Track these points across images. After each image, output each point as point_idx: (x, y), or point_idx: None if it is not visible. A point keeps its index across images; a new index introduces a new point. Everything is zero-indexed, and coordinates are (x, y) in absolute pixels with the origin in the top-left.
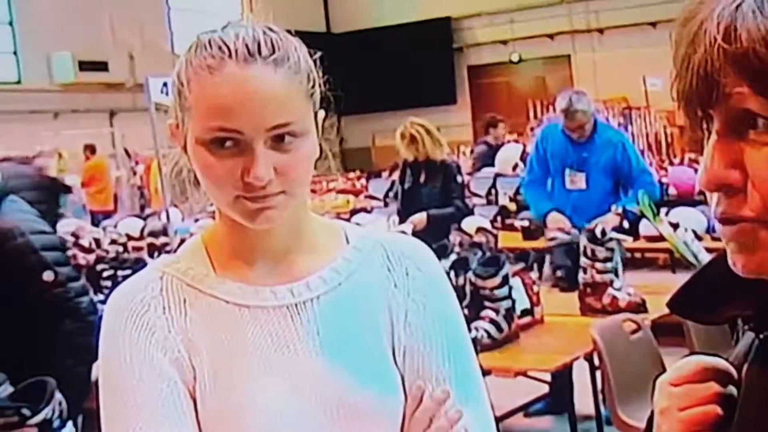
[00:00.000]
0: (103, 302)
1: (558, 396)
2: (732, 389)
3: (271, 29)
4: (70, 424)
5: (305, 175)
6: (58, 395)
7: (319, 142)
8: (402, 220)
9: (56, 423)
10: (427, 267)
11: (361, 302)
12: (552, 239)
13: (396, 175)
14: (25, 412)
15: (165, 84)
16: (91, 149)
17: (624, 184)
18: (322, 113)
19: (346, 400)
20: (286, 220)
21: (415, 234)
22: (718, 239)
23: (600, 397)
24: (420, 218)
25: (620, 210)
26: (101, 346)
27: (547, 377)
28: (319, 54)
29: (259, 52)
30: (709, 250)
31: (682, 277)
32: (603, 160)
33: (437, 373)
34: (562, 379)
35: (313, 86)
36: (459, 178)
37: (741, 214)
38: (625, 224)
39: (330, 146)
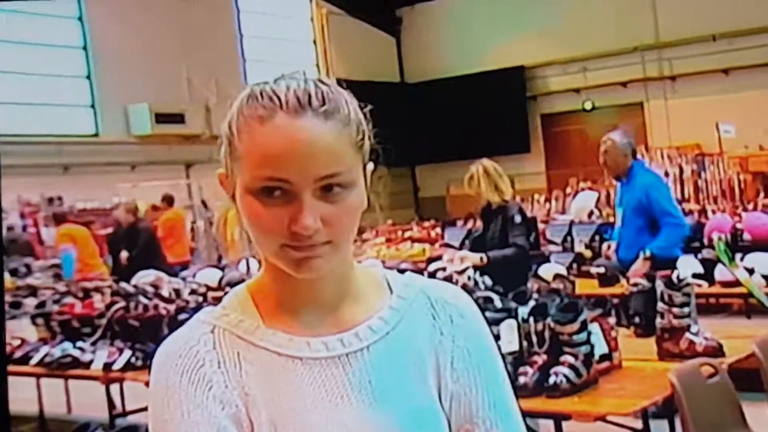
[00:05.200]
0: None
1: None
2: None
3: (322, 81)
4: None
5: (351, 226)
6: None
7: (367, 194)
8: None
9: None
10: (469, 313)
11: (409, 350)
12: (635, 285)
13: (470, 224)
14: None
15: None
16: (168, 200)
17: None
18: (371, 166)
19: None
20: (332, 270)
21: (492, 278)
22: None
23: None
24: (474, 257)
25: (648, 255)
26: (153, 401)
27: (626, 422)
28: (369, 107)
29: (310, 104)
30: None
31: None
32: (634, 201)
33: (483, 416)
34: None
35: (362, 138)
36: (517, 218)
37: None
38: (700, 269)
39: (378, 199)
